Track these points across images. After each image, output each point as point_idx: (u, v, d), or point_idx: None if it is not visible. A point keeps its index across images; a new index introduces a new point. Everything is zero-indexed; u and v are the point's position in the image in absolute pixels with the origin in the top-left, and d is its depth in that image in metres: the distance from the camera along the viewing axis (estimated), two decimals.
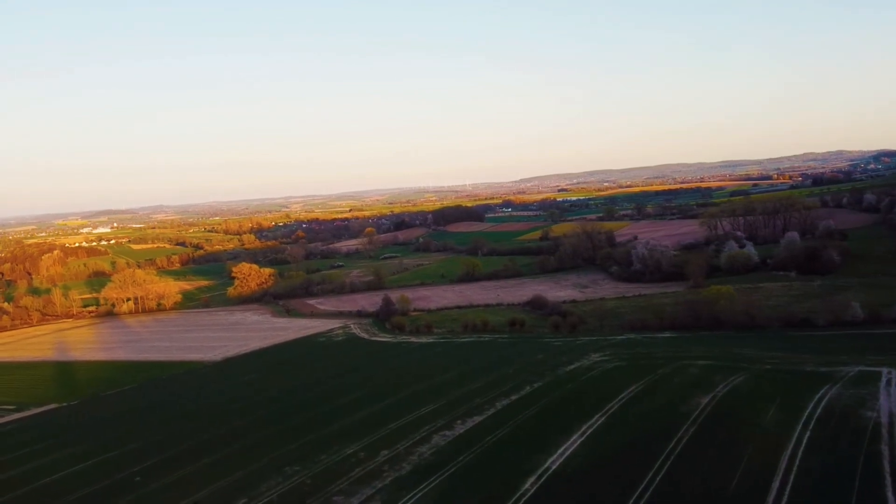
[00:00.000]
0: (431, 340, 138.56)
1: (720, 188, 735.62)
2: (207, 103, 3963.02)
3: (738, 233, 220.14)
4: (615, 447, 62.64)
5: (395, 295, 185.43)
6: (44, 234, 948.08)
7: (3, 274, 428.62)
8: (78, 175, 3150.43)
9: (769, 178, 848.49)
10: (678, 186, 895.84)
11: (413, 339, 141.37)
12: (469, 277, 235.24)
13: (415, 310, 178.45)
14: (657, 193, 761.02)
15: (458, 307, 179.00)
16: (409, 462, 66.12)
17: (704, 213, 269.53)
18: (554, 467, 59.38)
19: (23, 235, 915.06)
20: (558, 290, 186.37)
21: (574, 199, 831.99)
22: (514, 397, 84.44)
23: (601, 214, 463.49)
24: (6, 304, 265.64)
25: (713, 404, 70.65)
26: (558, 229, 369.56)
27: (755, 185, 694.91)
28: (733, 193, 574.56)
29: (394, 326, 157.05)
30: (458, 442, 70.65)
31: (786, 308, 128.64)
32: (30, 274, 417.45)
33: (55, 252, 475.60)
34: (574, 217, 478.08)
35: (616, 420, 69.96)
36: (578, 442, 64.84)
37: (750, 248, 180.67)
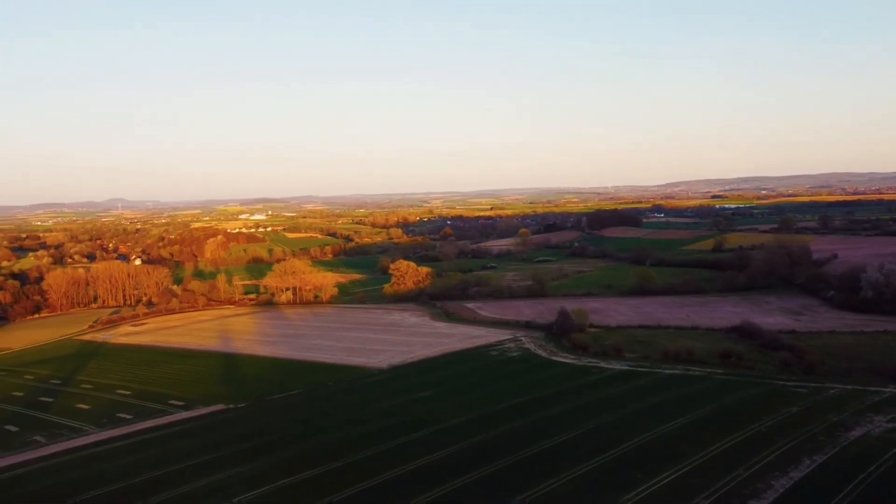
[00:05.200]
0: (626, 368, 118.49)
1: None
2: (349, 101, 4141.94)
3: None
4: None
5: (568, 306, 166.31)
6: (207, 218, 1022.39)
7: (172, 255, 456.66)
8: (238, 163, 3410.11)
9: None
10: (855, 198, 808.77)
11: (603, 365, 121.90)
12: (641, 290, 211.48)
13: (591, 325, 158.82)
14: (829, 205, 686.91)
15: (643, 326, 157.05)
16: None
17: None
18: None
19: (189, 219, 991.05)
20: (764, 316, 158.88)
21: (733, 206, 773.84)
22: (794, 475, 63.36)
23: (775, 225, 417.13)
24: (175, 286, 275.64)
25: None
26: (732, 240, 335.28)
27: None
28: None
29: (574, 345, 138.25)
30: None
31: None
32: (196, 256, 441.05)
33: (218, 237, 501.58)
34: (744, 227, 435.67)
35: None
36: None
37: None
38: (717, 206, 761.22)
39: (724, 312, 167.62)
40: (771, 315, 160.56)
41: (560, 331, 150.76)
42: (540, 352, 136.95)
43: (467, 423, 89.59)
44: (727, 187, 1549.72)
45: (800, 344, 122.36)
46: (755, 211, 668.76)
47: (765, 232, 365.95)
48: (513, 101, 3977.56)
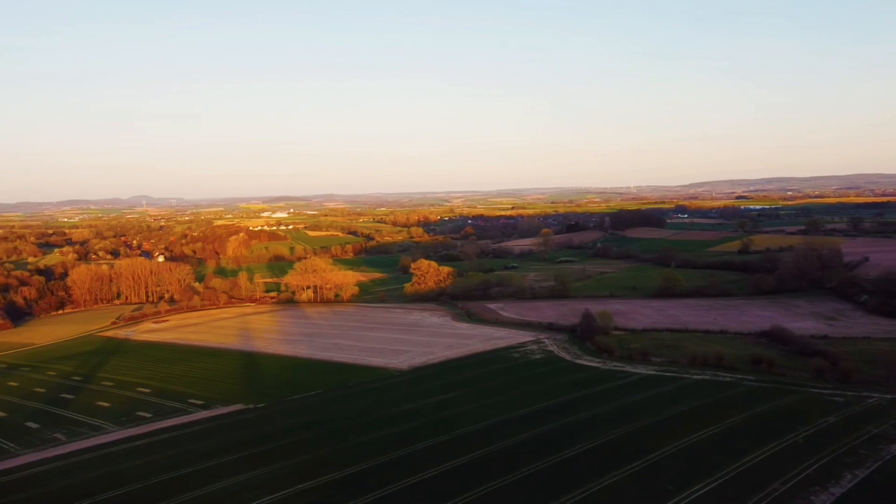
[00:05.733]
0: (653, 373, 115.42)
1: None
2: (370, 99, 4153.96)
3: None
4: None
5: (592, 308, 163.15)
6: (230, 216, 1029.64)
7: (195, 252, 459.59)
8: (260, 162, 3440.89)
9: None
10: (884, 199, 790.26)
11: (629, 369, 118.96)
12: (666, 293, 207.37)
13: (616, 328, 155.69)
14: (858, 206, 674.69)
15: (669, 330, 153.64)
16: None
17: None
18: None
19: (212, 216, 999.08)
20: (795, 320, 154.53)
21: (758, 207, 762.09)
22: (834, 490, 60.30)
23: (802, 227, 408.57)
24: (197, 283, 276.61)
25: None
26: (758, 241, 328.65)
27: None
28: None
29: (599, 348, 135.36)
30: None
31: None
32: (218, 254, 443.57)
33: (241, 235, 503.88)
34: (770, 228, 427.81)
35: None
36: None
37: None
38: (742, 207, 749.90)
39: (752, 316, 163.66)
40: (801, 319, 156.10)
41: (584, 333, 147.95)
42: (563, 354, 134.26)
43: (490, 428, 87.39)
44: (752, 188, 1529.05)
45: (833, 350, 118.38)
46: (781, 212, 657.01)
47: (792, 234, 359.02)
48: (534, 100, 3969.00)
